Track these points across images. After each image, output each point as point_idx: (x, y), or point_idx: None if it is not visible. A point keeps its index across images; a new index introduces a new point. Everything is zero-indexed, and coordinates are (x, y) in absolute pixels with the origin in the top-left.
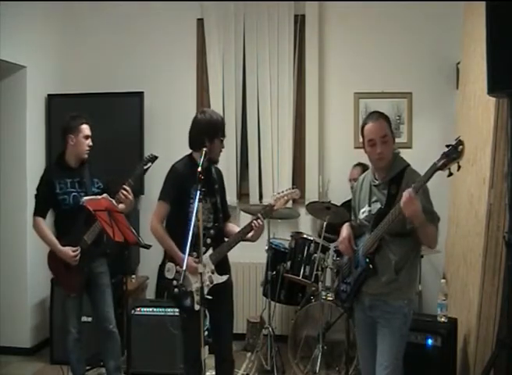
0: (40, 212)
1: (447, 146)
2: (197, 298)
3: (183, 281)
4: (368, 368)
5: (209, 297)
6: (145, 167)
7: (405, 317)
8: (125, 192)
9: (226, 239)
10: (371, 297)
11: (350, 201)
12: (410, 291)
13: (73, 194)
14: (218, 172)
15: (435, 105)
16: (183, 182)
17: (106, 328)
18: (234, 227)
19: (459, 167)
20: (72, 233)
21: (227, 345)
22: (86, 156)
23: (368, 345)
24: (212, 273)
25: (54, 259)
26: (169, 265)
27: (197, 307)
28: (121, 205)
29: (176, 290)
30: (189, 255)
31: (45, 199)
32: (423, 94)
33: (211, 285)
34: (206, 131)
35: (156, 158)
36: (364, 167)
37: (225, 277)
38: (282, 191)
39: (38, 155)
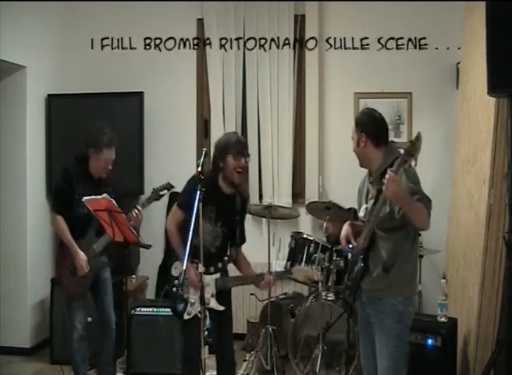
0: (60, 210)
1: (410, 142)
2: (189, 309)
3: (183, 285)
4: (369, 367)
5: (222, 308)
6: (161, 193)
7: (399, 315)
8: (137, 211)
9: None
10: (366, 293)
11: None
12: (404, 289)
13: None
14: (244, 201)
15: (435, 105)
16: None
17: (106, 323)
18: (245, 262)
19: (415, 163)
20: (81, 241)
21: (229, 346)
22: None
23: (367, 343)
24: (212, 296)
25: (63, 259)
26: (177, 263)
27: (186, 316)
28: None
29: (174, 289)
30: (196, 267)
31: (65, 199)
32: (423, 94)
33: (205, 306)
34: (216, 154)
35: (172, 187)
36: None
37: (221, 308)
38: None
39: (38, 155)
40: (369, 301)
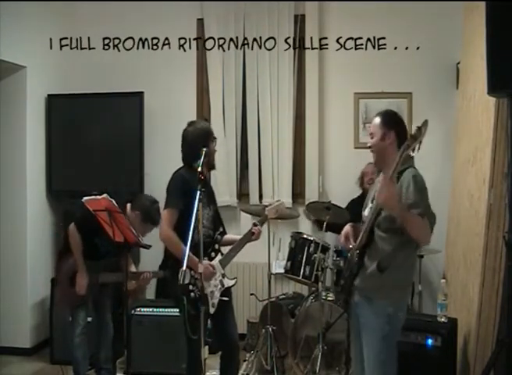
0: (80, 231)
1: (417, 127)
2: (211, 301)
3: (194, 283)
4: (358, 368)
5: (225, 298)
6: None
7: (388, 317)
8: (148, 275)
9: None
10: (358, 292)
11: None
12: (395, 292)
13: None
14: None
15: (435, 105)
16: (190, 187)
17: (102, 320)
18: (230, 235)
19: (419, 148)
20: (91, 267)
21: (235, 344)
22: None
23: (356, 344)
24: (223, 276)
25: (63, 268)
26: (181, 270)
27: (212, 310)
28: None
29: (192, 294)
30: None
31: (88, 233)
32: (423, 94)
33: (222, 288)
34: (201, 139)
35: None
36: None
37: (233, 281)
38: (271, 204)
39: (38, 155)
40: (360, 302)
